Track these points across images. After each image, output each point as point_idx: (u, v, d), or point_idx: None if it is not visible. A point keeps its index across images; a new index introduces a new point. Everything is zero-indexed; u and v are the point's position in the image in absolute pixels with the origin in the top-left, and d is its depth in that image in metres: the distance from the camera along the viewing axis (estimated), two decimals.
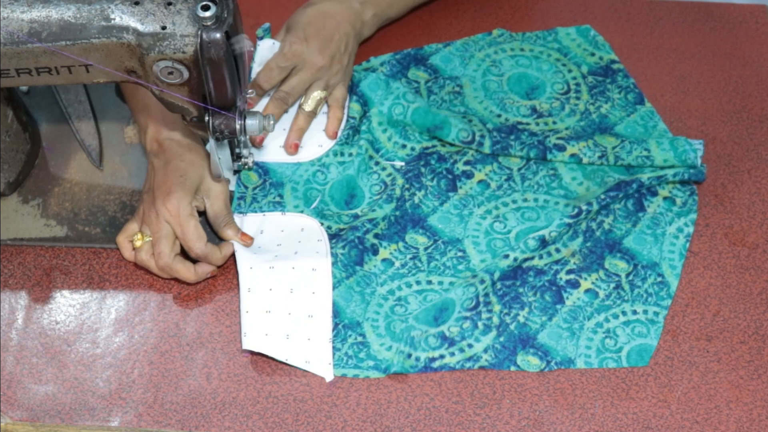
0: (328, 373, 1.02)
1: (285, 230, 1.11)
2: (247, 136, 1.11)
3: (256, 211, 1.13)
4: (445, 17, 1.31)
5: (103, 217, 1.14)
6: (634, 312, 1.07)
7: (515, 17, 1.31)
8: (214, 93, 1.00)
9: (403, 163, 1.16)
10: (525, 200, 1.14)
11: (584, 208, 1.10)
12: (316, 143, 1.17)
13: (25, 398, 1.03)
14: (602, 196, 1.11)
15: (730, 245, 1.13)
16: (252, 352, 1.04)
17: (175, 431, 1.01)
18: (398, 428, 1.01)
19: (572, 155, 1.15)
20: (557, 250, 1.10)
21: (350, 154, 1.16)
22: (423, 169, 1.16)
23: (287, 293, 1.05)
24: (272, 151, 1.16)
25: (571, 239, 1.11)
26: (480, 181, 1.15)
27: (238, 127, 1.04)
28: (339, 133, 1.17)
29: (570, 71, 1.24)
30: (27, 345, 1.06)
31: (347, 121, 1.18)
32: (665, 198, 1.14)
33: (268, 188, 1.14)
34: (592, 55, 1.26)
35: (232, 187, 1.16)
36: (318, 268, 1.07)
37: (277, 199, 1.13)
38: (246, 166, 1.14)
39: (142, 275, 1.11)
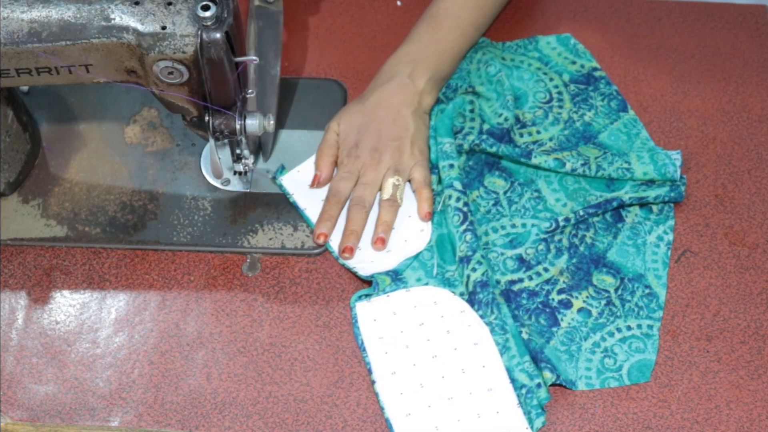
0: None
1: (418, 306, 1.07)
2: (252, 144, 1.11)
3: (379, 295, 1.09)
4: None
5: (103, 217, 1.14)
6: (629, 327, 1.06)
7: (515, 17, 1.31)
8: (214, 93, 1.00)
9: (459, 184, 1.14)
10: (513, 226, 1.13)
11: (561, 223, 1.10)
12: (418, 229, 1.13)
13: (25, 398, 1.03)
14: (581, 212, 1.11)
15: (730, 245, 1.13)
16: None
17: (175, 431, 1.01)
18: None
19: (556, 159, 1.14)
20: (545, 270, 1.09)
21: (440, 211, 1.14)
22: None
23: (460, 374, 1.03)
24: (384, 260, 1.11)
25: (557, 257, 1.10)
26: (471, 202, 1.15)
27: (238, 126, 1.04)
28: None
29: (552, 80, 1.23)
30: (27, 345, 1.06)
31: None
32: (641, 206, 1.14)
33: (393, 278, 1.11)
34: (573, 63, 1.25)
35: (232, 187, 1.16)
36: (479, 341, 1.04)
37: (398, 277, 1.10)
38: (246, 167, 1.13)
39: (142, 275, 1.11)
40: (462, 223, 1.10)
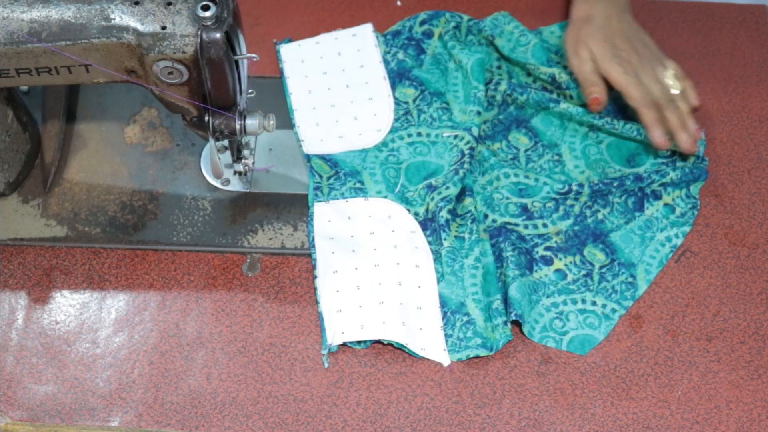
0: (444, 359, 1.05)
1: (372, 216, 1.12)
2: (248, 136, 1.11)
3: (338, 198, 1.13)
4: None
5: (103, 217, 1.14)
6: (594, 303, 1.08)
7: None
8: (214, 93, 1.00)
9: (477, 129, 1.16)
10: (527, 177, 1.15)
11: (575, 188, 1.12)
12: (374, 128, 1.18)
13: (25, 398, 1.03)
14: (595, 180, 1.13)
15: (730, 245, 1.13)
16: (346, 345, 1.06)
17: (175, 431, 1.01)
18: (398, 428, 1.02)
19: (583, 106, 1.16)
20: (544, 225, 1.12)
21: (419, 134, 1.17)
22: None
23: (396, 286, 1.08)
24: (332, 143, 1.17)
25: (562, 219, 1.12)
26: (488, 149, 1.18)
27: (238, 127, 1.04)
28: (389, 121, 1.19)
29: (566, 67, 1.24)
30: (27, 345, 1.06)
31: (399, 105, 1.19)
32: (666, 204, 1.14)
33: (343, 178, 1.14)
34: None
35: (232, 187, 1.16)
36: (421, 264, 1.09)
37: (357, 185, 1.14)
38: (246, 167, 1.14)
39: (141, 275, 1.11)
40: (456, 163, 1.13)
